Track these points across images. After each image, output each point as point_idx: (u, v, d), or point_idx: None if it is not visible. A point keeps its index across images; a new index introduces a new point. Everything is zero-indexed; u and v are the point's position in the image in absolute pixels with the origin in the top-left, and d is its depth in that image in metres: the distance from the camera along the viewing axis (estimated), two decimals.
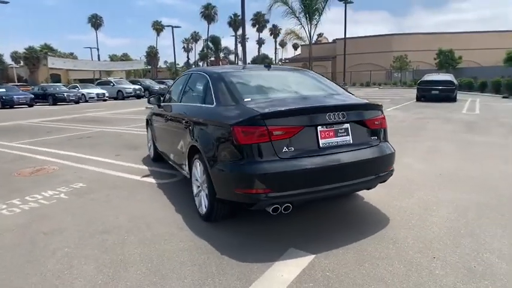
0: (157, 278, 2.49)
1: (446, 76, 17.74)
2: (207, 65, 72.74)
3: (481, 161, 5.46)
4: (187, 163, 3.74)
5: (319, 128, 2.89)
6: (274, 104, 3.06)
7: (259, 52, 78.79)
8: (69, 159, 6.32)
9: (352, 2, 26.10)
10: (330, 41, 53.83)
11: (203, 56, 71.72)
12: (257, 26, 74.28)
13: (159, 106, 5.18)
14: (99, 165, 5.88)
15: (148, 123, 6.02)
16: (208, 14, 63.62)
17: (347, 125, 3.02)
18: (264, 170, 2.71)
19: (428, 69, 32.78)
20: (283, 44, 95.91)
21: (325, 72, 49.57)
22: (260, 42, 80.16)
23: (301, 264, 2.63)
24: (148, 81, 31.35)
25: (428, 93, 17.38)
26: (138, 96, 27.46)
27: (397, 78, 38.85)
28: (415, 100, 18.36)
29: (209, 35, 63.77)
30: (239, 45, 78.18)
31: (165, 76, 76.40)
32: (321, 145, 2.88)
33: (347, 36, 30.88)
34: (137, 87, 27.66)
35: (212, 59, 68.47)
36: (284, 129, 2.76)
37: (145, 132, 6.57)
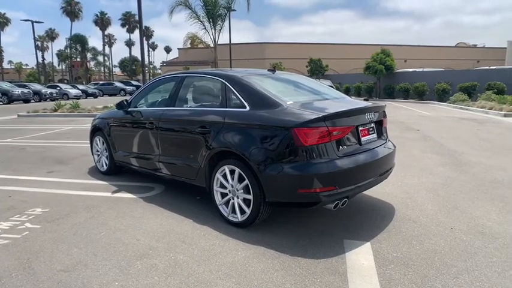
0: None
1: (327, 81, 20.46)
2: (71, 66, 64.41)
3: (406, 151, 6.70)
4: (206, 171, 3.53)
5: (359, 127, 3.20)
6: (317, 106, 3.24)
7: (130, 54, 73.99)
8: None
9: (235, 10, 27.31)
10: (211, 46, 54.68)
11: (65, 57, 63.10)
12: (127, 26, 69.70)
13: (126, 112, 4.63)
14: (36, 185, 4.84)
15: (98, 132, 5.25)
16: (72, 11, 56.23)
17: (373, 125, 3.42)
18: (330, 169, 2.86)
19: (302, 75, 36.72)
20: (154, 47, 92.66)
21: None
22: (130, 43, 75.31)
23: (367, 252, 2.89)
24: (5, 84, 26.00)
25: None
26: None
27: None
28: None
29: (73, 34, 56.44)
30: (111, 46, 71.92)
31: (12, 78, 64.17)
32: (362, 142, 3.21)
33: (224, 42, 31.93)
34: None
35: (78, 59, 60.93)
36: (340, 129, 2.97)
37: (58, 144, 5.68)
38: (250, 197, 3.15)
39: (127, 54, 74.97)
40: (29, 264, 2.72)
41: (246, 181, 3.15)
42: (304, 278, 2.51)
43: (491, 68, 21.71)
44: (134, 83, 40.86)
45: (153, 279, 2.50)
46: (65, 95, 28.75)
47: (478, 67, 30.36)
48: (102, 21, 62.36)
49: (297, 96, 3.57)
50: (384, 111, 3.72)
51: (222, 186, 3.42)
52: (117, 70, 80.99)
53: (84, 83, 50.07)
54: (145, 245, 3.02)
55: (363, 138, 3.22)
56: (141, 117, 4.37)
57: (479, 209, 3.77)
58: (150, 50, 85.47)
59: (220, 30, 15.08)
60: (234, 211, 3.34)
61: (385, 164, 3.45)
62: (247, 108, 3.27)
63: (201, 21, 15.16)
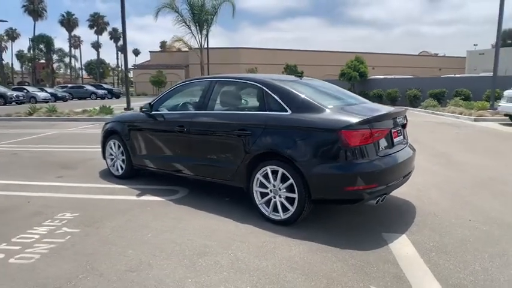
0: (326, 280, 2.56)
1: None
2: (34, 68, 61.35)
3: None
4: (244, 172, 3.67)
5: (392, 129, 3.49)
6: (355, 110, 3.50)
7: (98, 56, 71.75)
8: None
9: (213, 16, 27.35)
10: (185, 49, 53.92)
11: (28, 58, 60.03)
12: (95, 28, 67.60)
13: (149, 115, 4.66)
14: (51, 190, 4.75)
15: (113, 135, 5.21)
16: (35, 9, 53.64)
17: (400, 127, 3.73)
18: (373, 168, 3.12)
19: None
20: (122, 50, 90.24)
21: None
22: (98, 45, 72.90)
23: (407, 243, 3.16)
24: None
25: None
26: None
27: None
28: None
29: (37, 34, 53.84)
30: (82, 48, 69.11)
31: None
32: (394, 143, 3.50)
33: (197, 46, 31.77)
34: None
35: (43, 61, 58.18)
36: (380, 132, 3.25)
37: (52, 149, 5.59)
38: (295, 195, 3.33)
39: (92, 57, 72.77)
40: (91, 266, 2.74)
41: (291, 180, 3.33)
42: (362, 267, 2.73)
43: (457, 76, 23.28)
44: (106, 86, 39.70)
45: (223, 275, 2.62)
46: (33, 98, 27.40)
47: (439, 74, 32.35)
48: (68, 22, 60.11)
49: (331, 101, 3.81)
50: (406, 115, 4.04)
51: (263, 186, 3.58)
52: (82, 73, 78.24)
53: (47, 85, 47.88)
54: (199, 244, 3.11)
55: (395, 139, 3.52)
56: (168, 120, 4.43)
57: (486, 203, 4.18)
58: (119, 52, 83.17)
59: (206, 34, 15.11)
60: (275, 210, 3.51)
61: (410, 165, 3.76)
62: (289, 112, 3.46)
63: (188, 25, 15.14)
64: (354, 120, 3.14)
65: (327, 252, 2.97)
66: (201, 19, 14.37)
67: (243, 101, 4.16)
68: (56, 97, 31.22)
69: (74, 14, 61.71)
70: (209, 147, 4.02)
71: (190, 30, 15.17)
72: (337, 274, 2.63)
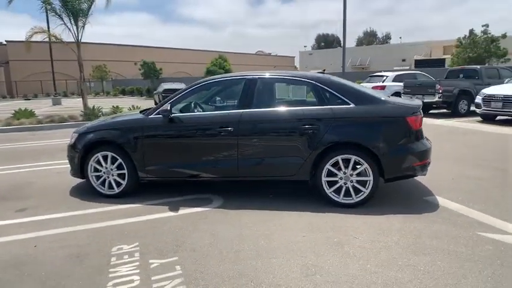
0: (453, 238, 3.13)
1: (181, 84, 20.72)
2: None
3: None
4: (311, 165, 3.83)
5: None
6: (398, 100, 4.14)
7: None
8: None
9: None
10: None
11: None
12: None
13: (170, 119, 4.09)
14: (40, 227, 3.63)
15: (102, 147, 4.28)
16: None
17: None
18: (426, 146, 3.90)
19: (130, 78, 35.04)
20: None
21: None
22: None
23: (446, 201, 4.02)
24: None
25: None
26: None
27: (95, 88, 38.36)
28: None
29: None
30: None
31: None
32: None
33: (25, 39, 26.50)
34: None
35: None
36: (422, 117, 4.01)
37: None
38: (368, 178, 3.76)
39: None
40: (266, 284, 2.49)
41: (365, 165, 3.73)
42: (452, 222, 3.43)
43: (321, 71, 27.40)
44: None
45: (384, 255, 2.85)
46: None
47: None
48: None
49: (374, 93, 4.28)
50: None
51: (331, 175, 3.83)
52: None
53: None
54: (319, 237, 3.18)
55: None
56: (200, 121, 4.06)
57: (451, 166, 5.52)
58: None
59: (83, 26, 12.51)
60: (346, 195, 3.84)
61: None
62: (352, 104, 3.83)
63: (59, 15, 12.16)
64: (414, 107, 3.82)
65: (418, 219, 3.54)
66: (75, 8, 12.02)
67: (294, 97, 4.23)
68: None
69: None
70: (268, 145, 3.93)
71: (63, 21, 12.44)
72: (446, 231, 3.26)
